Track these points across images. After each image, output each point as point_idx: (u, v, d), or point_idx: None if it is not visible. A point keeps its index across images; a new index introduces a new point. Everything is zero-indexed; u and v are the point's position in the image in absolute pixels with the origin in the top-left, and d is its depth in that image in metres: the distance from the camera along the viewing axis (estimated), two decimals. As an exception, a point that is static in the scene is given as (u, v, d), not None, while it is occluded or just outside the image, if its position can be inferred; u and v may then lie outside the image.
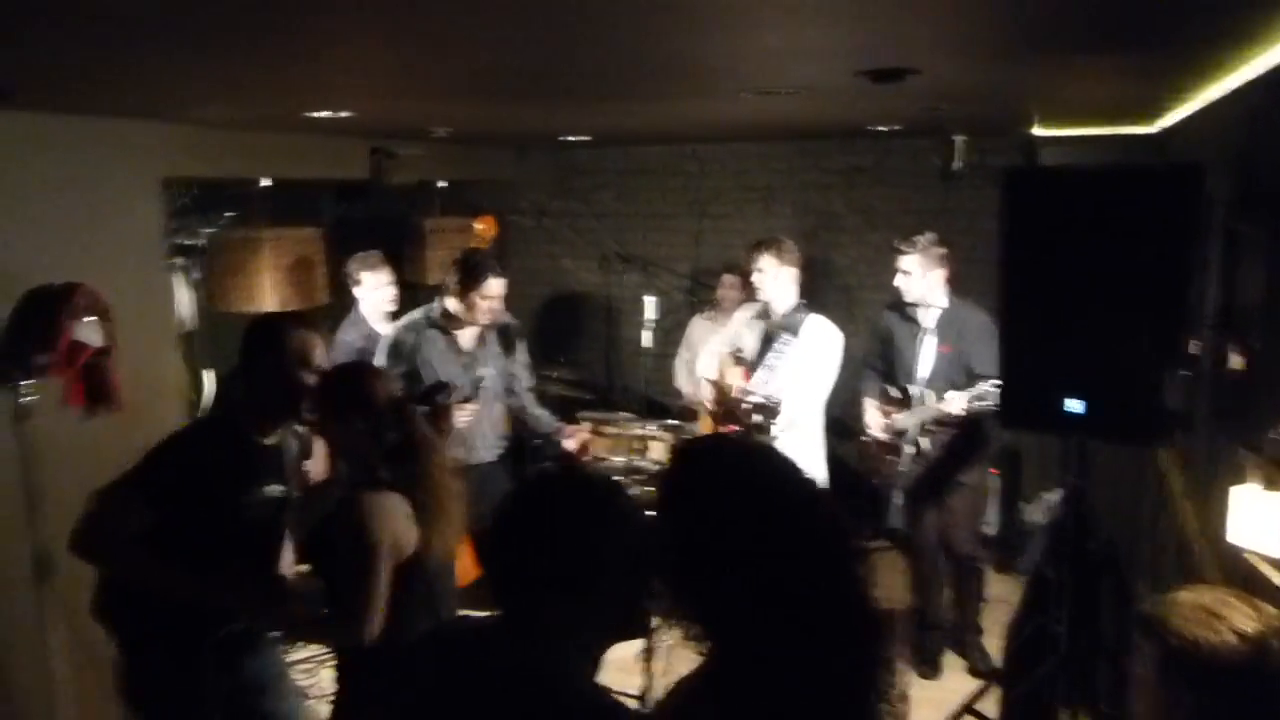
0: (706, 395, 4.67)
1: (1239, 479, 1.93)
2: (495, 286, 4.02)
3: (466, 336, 4.15)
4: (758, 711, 1.31)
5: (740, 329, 4.63)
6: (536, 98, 3.25)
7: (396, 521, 2.43)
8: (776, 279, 4.33)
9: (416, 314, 4.20)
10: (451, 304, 4.07)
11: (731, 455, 1.46)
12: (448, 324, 4.11)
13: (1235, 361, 2.47)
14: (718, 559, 1.33)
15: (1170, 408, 2.53)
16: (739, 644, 1.34)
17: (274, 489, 2.69)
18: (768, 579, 1.32)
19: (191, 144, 4.12)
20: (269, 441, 2.67)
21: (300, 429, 2.89)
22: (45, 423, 3.27)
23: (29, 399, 3.21)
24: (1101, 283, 2.60)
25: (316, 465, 4.96)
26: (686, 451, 1.49)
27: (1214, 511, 2.34)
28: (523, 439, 4.68)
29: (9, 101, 2.97)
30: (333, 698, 2.63)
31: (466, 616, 2.32)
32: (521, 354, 4.40)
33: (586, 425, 4.25)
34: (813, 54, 2.28)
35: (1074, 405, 2.65)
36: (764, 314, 4.50)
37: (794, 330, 4.32)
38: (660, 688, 2.84)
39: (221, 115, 3.79)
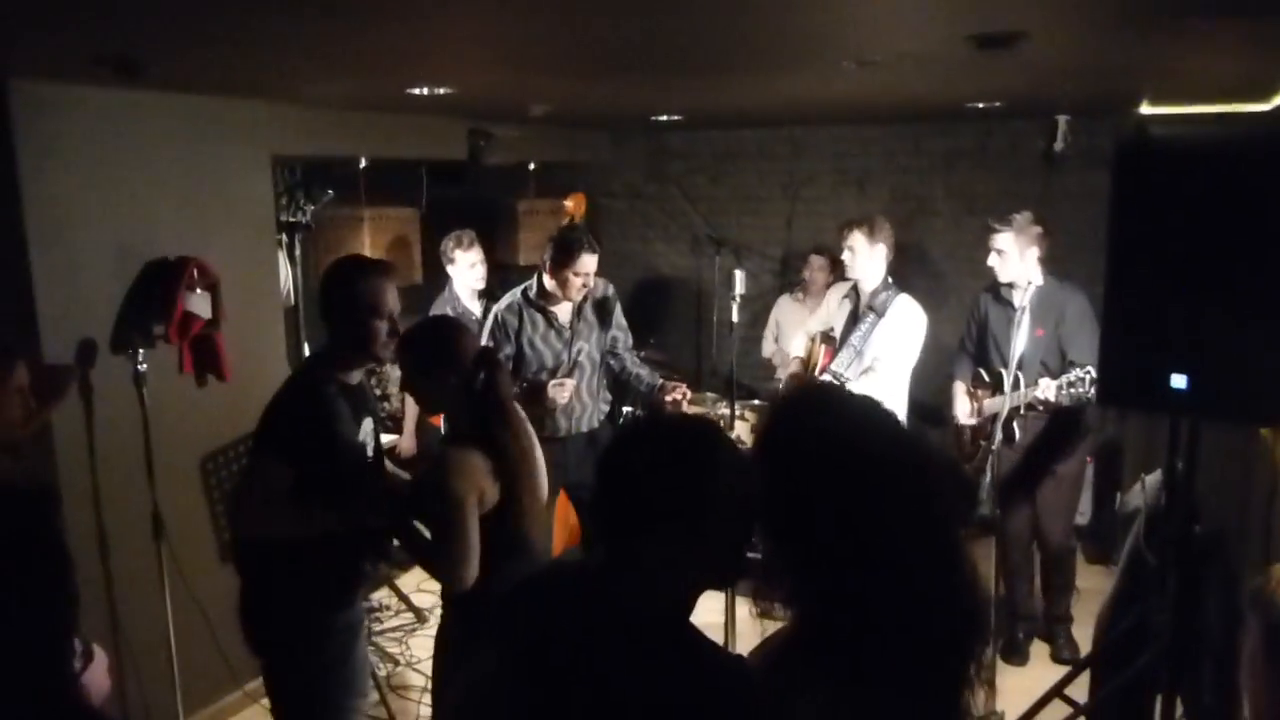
0: (791, 372, 4.67)
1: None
2: (588, 262, 4.07)
3: (564, 312, 4.22)
4: (847, 671, 1.30)
5: (833, 309, 4.61)
6: (634, 71, 3.26)
7: (480, 476, 2.52)
8: (868, 257, 4.31)
9: (515, 294, 4.29)
10: (547, 281, 4.14)
11: (834, 403, 1.46)
12: (545, 302, 4.19)
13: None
14: (813, 508, 1.32)
15: (1285, 386, 2.41)
16: (830, 603, 1.33)
17: (369, 424, 2.85)
18: (863, 533, 1.31)
19: (299, 123, 4.27)
20: (354, 380, 2.80)
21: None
22: (160, 389, 3.44)
23: (145, 366, 3.37)
24: (1214, 256, 2.49)
25: (404, 441, 5.14)
26: (789, 397, 1.49)
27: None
28: (618, 404, 4.73)
29: (135, 79, 3.11)
30: (438, 641, 2.79)
31: (563, 560, 2.38)
32: (619, 316, 4.46)
33: (683, 384, 4.29)
34: (921, 13, 2.24)
35: (1178, 381, 2.55)
36: (852, 293, 4.47)
37: (880, 311, 4.30)
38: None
39: (328, 94, 3.91)
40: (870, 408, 1.44)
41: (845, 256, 4.38)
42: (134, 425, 3.36)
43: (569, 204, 5.07)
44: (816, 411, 1.45)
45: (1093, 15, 2.31)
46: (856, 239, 4.30)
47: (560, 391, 4.07)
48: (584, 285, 4.11)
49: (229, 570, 2.83)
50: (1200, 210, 2.51)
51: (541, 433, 3.21)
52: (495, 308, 4.31)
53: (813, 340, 4.71)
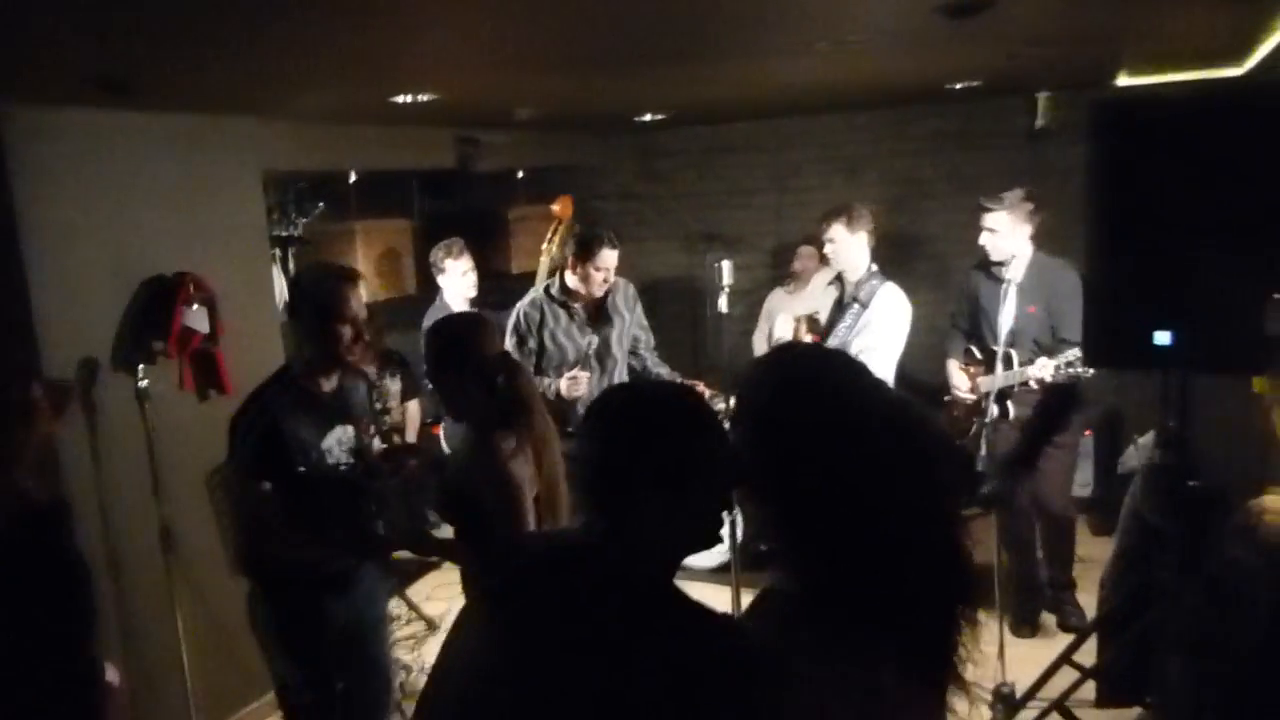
0: None
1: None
2: (609, 258, 4.14)
3: (587, 306, 4.29)
4: (841, 626, 1.31)
5: (819, 296, 4.66)
6: (616, 63, 3.31)
7: (523, 464, 2.56)
8: (849, 247, 4.35)
9: (538, 290, 4.38)
10: (570, 278, 4.21)
11: (812, 359, 1.48)
12: (568, 298, 4.26)
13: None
14: (799, 463, 1.34)
15: (1270, 334, 2.44)
16: (818, 558, 1.35)
17: (343, 432, 2.86)
18: (849, 482, 1.32)
19: (288, 138, 4.31)
20: (327, 389, 2.84)
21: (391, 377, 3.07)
22: (163, 405, 3.48)
23: (146, 382, 3.41)
24: (1190, 212, 2.52)
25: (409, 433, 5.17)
26: (772, 356, 1.51)
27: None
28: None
29: (124, 100, 3.16)
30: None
31: (551, 533, 2.40)
32: (640, 315, 4.53)
33: (700, 383, 4.34)
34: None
35: (1162, 338, 2.58)
36: (837, 280, 4.51)
37: (865, 302, 4.36)
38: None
39: (315, 106, 3.95)
40: (852, 364, 1.47)
41: (828, 249, 4.42)
42: (138, 441, 3.39)
43: (556, 208, 5.11)
44: (800, 368, 1.47)
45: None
46: (837, 229, 4.34)
47: (574, 385, 4.12)
48: (605, 280, 4.18)
49: (240, 582, 2.87)
50: (1175, 168, 2.55)
51: (565, 428, 3.24)
52: (519, 304, 4.39)
53: (798, 322, 4.75)
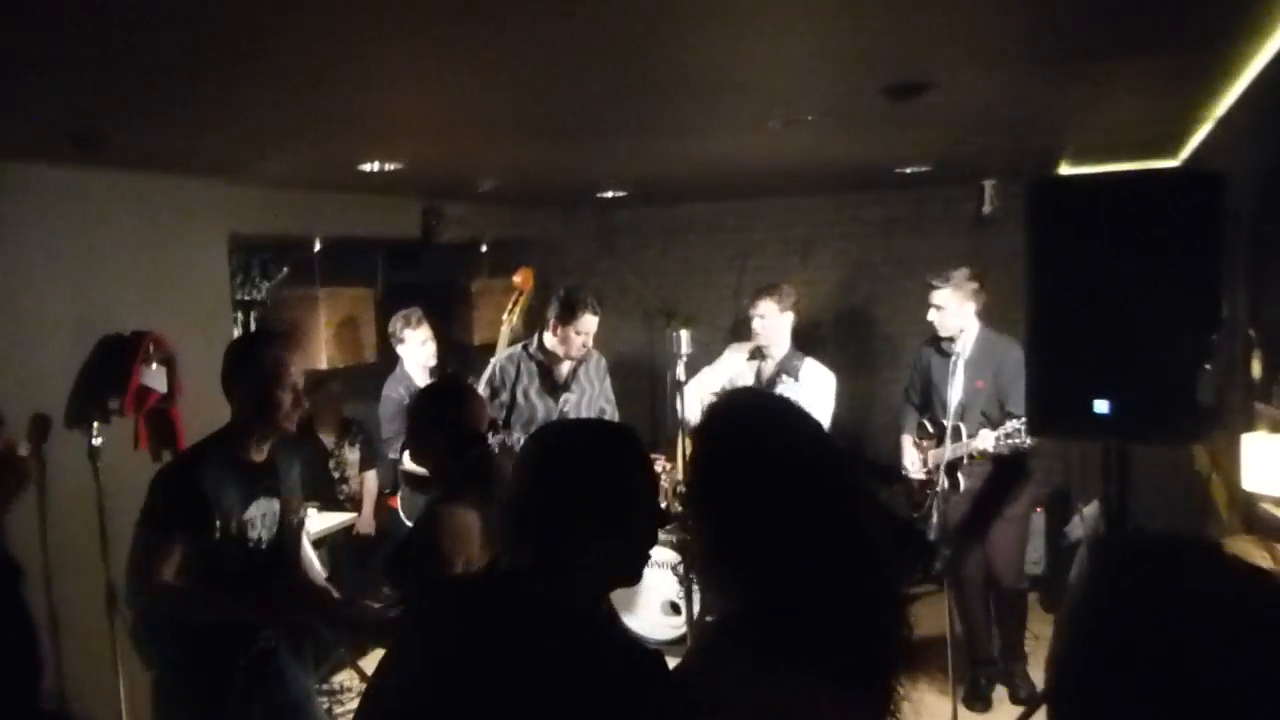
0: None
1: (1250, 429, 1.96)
2: (589, 323, 4.27)
3: (561, 369, 4.38)
4: (786, 647, 1.34)
5: (734, 368, 4.79)
6: (575, 135, 3.42)
7: (470, 538, 2.51)
8: (778, 324, 4.54)
9: (517, 347, 4.49)
10: (549, 339, 4.31)
11: (746, 403, 1.55)
12: (545, 357, 4.35)
13: (1258, 357, 2.50)
14: (734, 498, 1.40)
15: (1204, 404, 2.54)
16: (763, 583, 1.38)
17: (268, 505, 2.81)
18: (782, 511, 1.37)
19: (255, 203, 4.37)
20: (257, 458, 2.80)
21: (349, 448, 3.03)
22: (116, 463, 3.44)
23: (100, 440, 3.38)
24: (1127, 286, 2.64)
25: (363, 523, 5.14)
26: (721, 402, 1.58)
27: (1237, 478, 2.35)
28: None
29: (93, 156, 3.21)
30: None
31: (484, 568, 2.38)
32: (608, 389, 4.63)
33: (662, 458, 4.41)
34: (831, 65, 2.42)
35: (1101, 406, 2.68)
36: (758, 356, 4.67)
37: (794, 374, 4.52)
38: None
39: (283, 172, 4.03)
40: (793, 409, 1.53)
41: (757, 324, 4.60)
42: (89, 499, 3.35)
43: (517, 279, 5.19)
44: (745, 412, 1.55)
45: (994, 61, 2.50)
46: (768, 307, 4.54)
47: None
48: (584, 345, 4.29)
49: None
50: (1110, 244, 2.68)
51: None
52: (495, 358, 4.50)
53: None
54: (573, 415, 4.39)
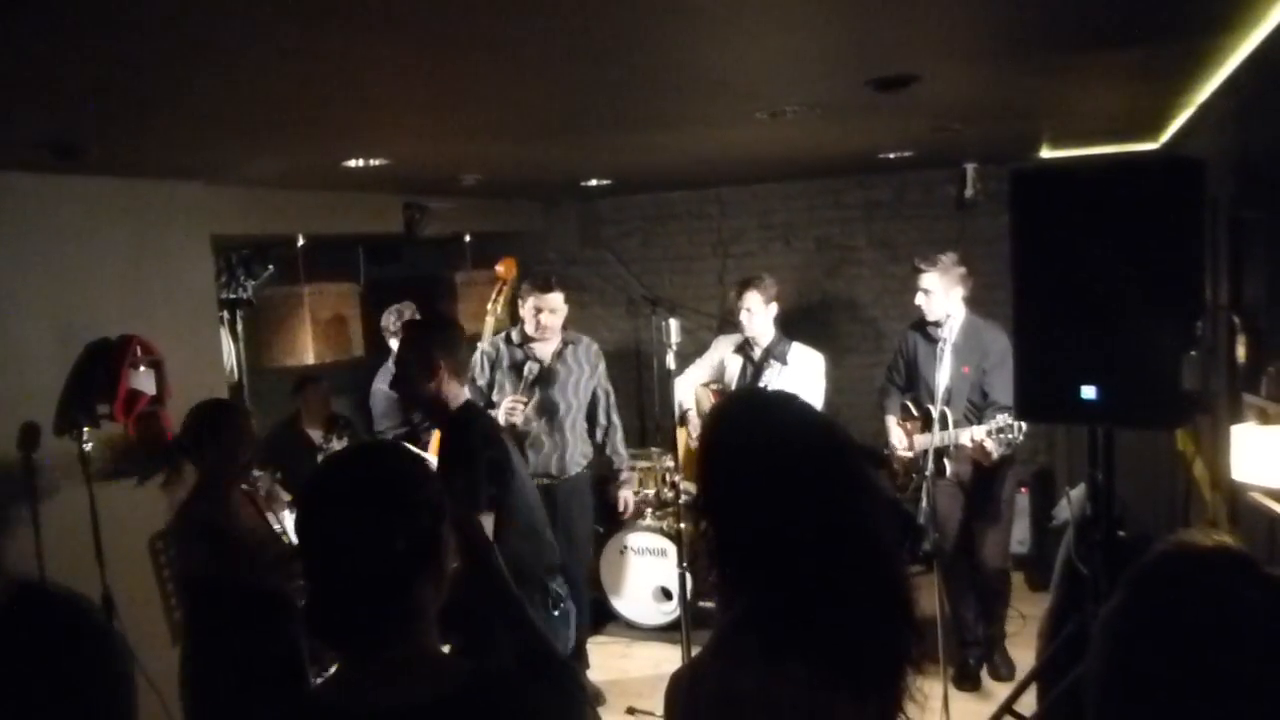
0: (694, 426, 4.93)
1: (1239, 420, 1.99)
2: (549, 300, 4.40)
3: (542, 349, 4.51)
4: (799, 644, 1.36)
5: (723, 359, 4.88)
6: (563, 128, 3.42)
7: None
8: (764, 315, 4.63)
9: (499, 335, 4.66)
10: (527, 324, 4.46)
11: (751, 403, 1.57)
12: (523, 339, 4.51)
13: (1242, 342, 2.54)
14: (744, 499, 1.42)
15: (1187, 390, 2.59)
16: (775, 581, 1.40)
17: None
18: (792, 510, 1.39)
19: (237, 203, 4.35)
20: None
21: None
22: (107, 469, 3.44)
23: (91, 445, 3.37)
24: (1111, 272, 2.68)
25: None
26: (727, 402, 1.60)
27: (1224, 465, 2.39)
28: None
29: (77, 163, 3.18)
30: None
31: None
32: (603, 375, 4.73)
33: (634, 487, 4.64)
34: (817, 60, 2.43)
35: (1088, 392, 2.72)
36: (746, 345, 4.76)
37: (782, 359, 4.61)
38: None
39: (265, 171, 4.00)
40: (797, 407, 1.55)
41: (742, 316, 4.68)
42: (81, 506, 3.34)
43: (500, 269, 5.19)
44: (750, 412, 1.56)
45: (976, 54, 2.52)
46: (754, 299, 4.62)
47: (512, 411, 4.31)
48: (545, 323, 4.41)
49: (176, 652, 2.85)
50: (1092, 230, 2.71)
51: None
52: (480, 343, 4.65)
53: (700, 394, 5.00)
54: (568, 395, 4.51)
